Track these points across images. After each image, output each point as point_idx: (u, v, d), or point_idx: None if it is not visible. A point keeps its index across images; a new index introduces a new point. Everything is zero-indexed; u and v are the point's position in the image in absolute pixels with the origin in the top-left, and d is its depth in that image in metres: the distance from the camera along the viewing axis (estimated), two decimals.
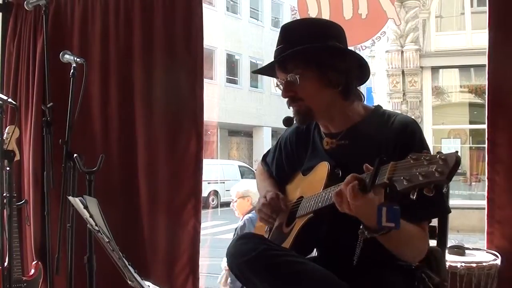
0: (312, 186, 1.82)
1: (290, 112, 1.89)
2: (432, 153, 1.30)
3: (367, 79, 1.88)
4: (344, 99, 1.81)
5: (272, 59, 1.84)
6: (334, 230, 1.72)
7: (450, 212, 1.78)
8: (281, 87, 1.82)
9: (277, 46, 1.83)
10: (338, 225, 1.62)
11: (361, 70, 1.83)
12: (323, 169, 1.80)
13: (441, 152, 1.25)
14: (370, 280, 1.66)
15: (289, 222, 1.92)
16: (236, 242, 1.72)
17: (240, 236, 1.74)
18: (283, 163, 2.12)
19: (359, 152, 1.76)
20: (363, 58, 1.84)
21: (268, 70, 1.92)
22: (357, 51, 3.87)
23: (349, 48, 1.88)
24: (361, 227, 1.52)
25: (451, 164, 1.22)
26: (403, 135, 1.73)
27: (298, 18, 3.89)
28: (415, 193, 1.28)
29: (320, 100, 1.80)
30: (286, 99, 1.84)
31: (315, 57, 1.76)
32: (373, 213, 1.46)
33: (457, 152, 1.24)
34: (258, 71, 1.96)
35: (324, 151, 1.89)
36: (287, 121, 1.92)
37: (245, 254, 1.64)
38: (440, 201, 1.66)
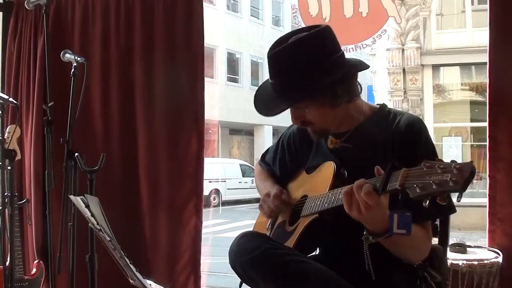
0: (316, 186, 1.81)
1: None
2: (438, 157, 1.28)
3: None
4: (348, 105, 1.80)
5: None
6: (338, 231, 1.71)
7: (455, 211, 1.78)
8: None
9: (271, 78, 1.80)
10: (342, 226, 1.61)
11: (359, 71, 1.82)
12: (328, 168, 1.79)
13: (456, 161, 1.24)
14: (373, 279, 1.66)
15: (292, 221, 1.91)
16: (239, 241, 1.70)
17: (242, 235, 1.73)
18: (286, 162, 2.11)
19: (363, 154, 1.75)
20: (359, 66, 1.80)
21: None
22: (358, 49, 3.88)
23: (344, 48, 1.83)
24: (364, 233, 1.52)
25: (466, 174, 1.21)
26: (409, 135, 1.72)
27: (299, 17, 3.88)
28: (428, 201, 1.27)
29: (330, 119, 1.80)
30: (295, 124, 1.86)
31: (315, 94, 1.73)
32: (380, 217, 1.46)
33: (472, 161, 1.23)
34: (267, 115, 1.86)
35: (328, 149, 1.88)
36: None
37: (249, 252, 1.64)
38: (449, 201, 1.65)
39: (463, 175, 1.21)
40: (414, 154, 1.64)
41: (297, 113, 1.80)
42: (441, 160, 1.28)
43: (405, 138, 1.72)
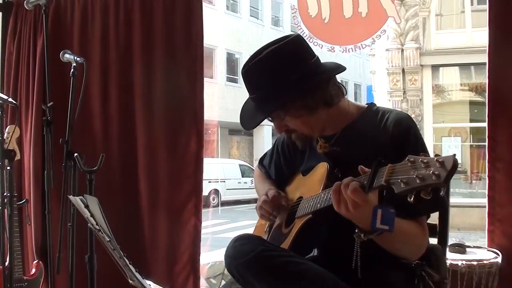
0: (311, 187, 1.82)
1: None
2: (428, 152, 1.29)
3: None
4: (329, 108, 1.81)
5: None
6: (333, 230, 1.72)
7: (448, 205, 1.77)
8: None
9: (248, 93, 1.86)
10: (337, 225, 1.62)
11: (336, 74, 1.83)
12: (322, 169, 1.80)
13: (439, 155, 1.25)
14: (370, 280, 1.66)
15: (288, 223, 1.92)
16: (235, 244, 1.70)
17: (238, 237, 1.73)
18: (282, 166, 2.13)
19: (354, 153, 1.76)
20: (332, 69, 1.81)
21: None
22: (357, 50, 3.89)
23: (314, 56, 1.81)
24: (356, 230, 1.52)
25: (448, 167, 1.21)
26: (398, 132, 1.73)
27: (298, 17, 3.89)
28: (413, 196, 1.28)
29: (310, 125, 1.82)
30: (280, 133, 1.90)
31: (288, 103, 1.76)
32: (368, 215, 1.46)
33: (455, 154, 1.23)
34: (249, 127, 1.89)
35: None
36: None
37: (244, 255, 1.63)
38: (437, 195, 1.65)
39: (446, 169, 1.21)
40: (404, 151, 1.64)
41: (278, 123, 1.84)
42: (425, 155, 1.29)
43: (394, 136, 1.73)
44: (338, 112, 1.83)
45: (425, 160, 1.26)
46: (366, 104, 1.92)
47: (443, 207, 1.80)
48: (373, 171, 1.40)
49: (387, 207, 1.40)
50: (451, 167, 1.21)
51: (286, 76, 1.73)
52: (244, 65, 1.82)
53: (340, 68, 1.81)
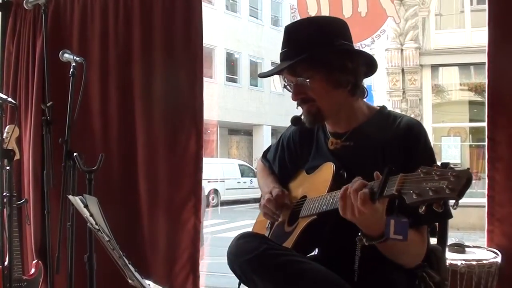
0: (316, 186, 1.81)
1: (291, 110, 1.89)
2: (436, 161, 1.28)
3: (374, 73, 1.88)
4: (351, 96, 1.81)
5: (273, 58, 1.84)
6: (336, 231, 1.71)
7: (452, 217, 1.77)
8: (289, 89, 1.83)
9: (282, 48, 1.82)
10: (340, 227, 1.61)
11: (368, 66, 1.83)
12: (328, 170, 1.79)
13: (453, 168, 1.24)
14: (371, 280, 1.66)
15: (291, 221, 1.91)
16: (238, 241, 1.71)
17: (241, 235, 1.74)
18: (286, 161, 2.12)
19: (363, 154, 1.76)
20: (370, 55, 1.85)
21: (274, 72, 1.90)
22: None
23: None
24: (359, 234, 1.52)
25: (462, 182, 1.20)
26: (408, 138, 1.73)
27: (298, 16, 3.89)
28: (424, 207, 1.27)
29: (330, 100, 1.80)
30: (296, 101, 1.84)
31: (323, 60, 1.75)
32: (375, 222, 1.46)
33: (469, 169, 1.23)
34: (266, 75, 1.91)
35: (328, 151, 1.88)
36: (295, 120, 1.93)
37: (247, 253, 1.64)
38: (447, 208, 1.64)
39: (460, 183, 1.20)
40: (413, 157, 1.65)
41: (299, 88, 1.79)
42: (438, 166, 1.27)
43: (404, 141, 1.72)
44: (354, 108, 1.84)
45: (438, 172, 1.25)
46: (378, 106, 1.92)
47: (446, 217, 1.78)
48: (384, 179, 1.39)
49: (399, 217, 1.39)
50: (465, 182, 1.20)
51: (331, 37, 1.77)
52: (290, 24, 1.89)
53: (375, 66, 1.85)
